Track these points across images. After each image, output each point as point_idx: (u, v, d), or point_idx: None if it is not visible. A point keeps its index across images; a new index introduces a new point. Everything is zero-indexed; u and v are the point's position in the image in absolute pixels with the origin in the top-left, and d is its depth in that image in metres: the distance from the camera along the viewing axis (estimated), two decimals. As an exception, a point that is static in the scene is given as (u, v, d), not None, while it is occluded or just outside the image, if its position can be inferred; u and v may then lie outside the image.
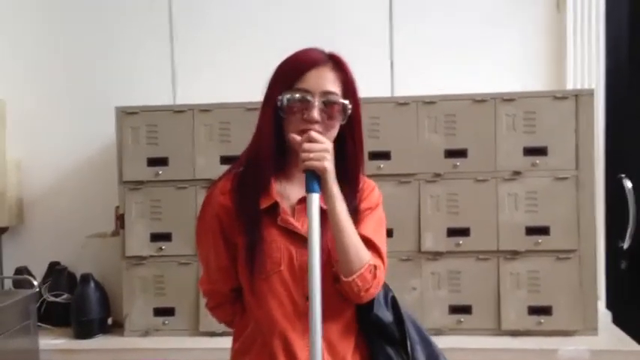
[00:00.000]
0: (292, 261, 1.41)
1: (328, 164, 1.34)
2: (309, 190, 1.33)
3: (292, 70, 1.42)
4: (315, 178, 1.34)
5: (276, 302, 1.41)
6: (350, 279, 1.37)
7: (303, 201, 1.41)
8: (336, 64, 1.44)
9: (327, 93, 1.40)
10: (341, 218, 1.36)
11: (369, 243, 1.42)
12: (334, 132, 1.44)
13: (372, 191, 1.53)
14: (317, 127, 1.38)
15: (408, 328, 1.48)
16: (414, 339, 1.48)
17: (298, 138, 1.37)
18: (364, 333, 1.49)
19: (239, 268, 1.47)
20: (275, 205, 1.43)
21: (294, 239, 1.42)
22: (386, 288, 1.50)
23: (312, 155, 1.33)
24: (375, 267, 1.40)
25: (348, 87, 1.44)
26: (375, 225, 1.47)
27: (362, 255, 1.38)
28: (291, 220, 1.43)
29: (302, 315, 1.39)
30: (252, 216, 1.42)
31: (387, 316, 1.47)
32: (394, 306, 1.49)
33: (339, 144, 1.45)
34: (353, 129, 1.47)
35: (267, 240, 1.42)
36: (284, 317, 1.41)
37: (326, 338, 1.38)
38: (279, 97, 1.40)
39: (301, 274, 1.39)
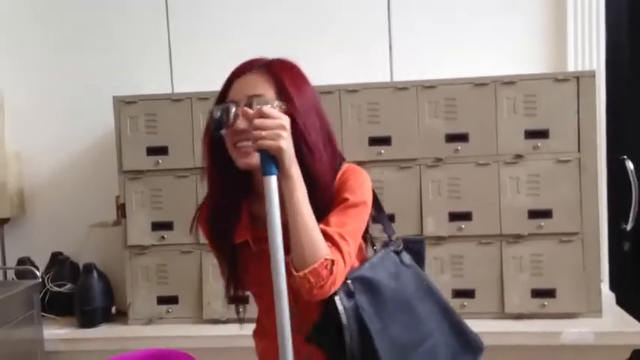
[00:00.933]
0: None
1: (284, 143, 1.19)
2: (265, 172, 1.20)
3: (223, 86, 1.35)
4: (270, 159, 1.20)
5: (270, 310, 1.29)
6: (301, 273, 1.23)
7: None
8: (269, 67, 1.33)
9: (252, 97, 1.27)
10: (298, 205, 1.23)
11: (326, 235, 1.27)
12: None
13: (351, 178, 1.38)
14: (248, 136, 1.23)
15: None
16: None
17: (250, 111, 1.23)
18: None
19: None
20: (244, 244, 1.39)
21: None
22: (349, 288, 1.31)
23: (264, 133, 1.19)
24: (333, 262, 1.25)
25: (283, 88, 1.30)
26: (341, 215, 1.31)
27: (318, 247, 1.24)
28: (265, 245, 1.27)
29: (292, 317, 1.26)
30: (227, 252, 1.42)
31: (323, 343, 1.32)
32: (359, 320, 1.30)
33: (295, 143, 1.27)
34: (302, 136, 1.29)
35: (247, 270, 1.41)
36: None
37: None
38: (208, 117, 1.32)
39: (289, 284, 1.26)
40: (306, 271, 1.23)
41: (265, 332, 1.46)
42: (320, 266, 1.23)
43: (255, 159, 1.26)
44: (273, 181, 1.21)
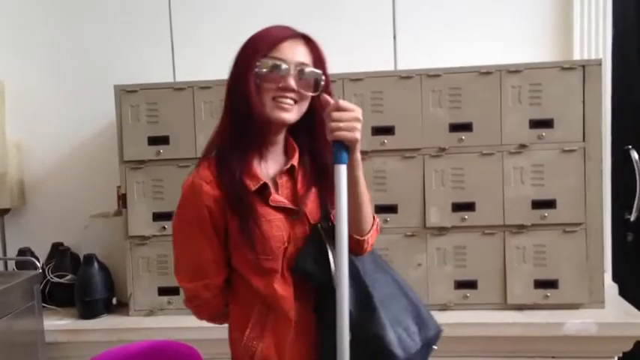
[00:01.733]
0: (290, 237, 1.43)
1: (359, 134, 1.34)
2: (338, 161, 1.33)
3: (266, 41, 1.42)
4: (344, 148, 1.33)
5: (284, 279, 1.43)
6: (364, 238, 1.45)
7: (283, 175, 1.47)
8: (307, 40, 1.46)
9: (301, 64, 1.41)
10: (361, 186, 1.40)
11: None
12: (307, 103, 1.45)
13: None
14: (292, 95, 1.40)
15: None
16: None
17: (330, 100, 1.36)
18: None
19: (235, 255, 1.46)
20: (263, 186, 1.43)
21: (287, 215, 1.44)
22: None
23: (342, 125, 1.32)
24: (375, 218, 1.51)
25: (319, 62, 1.45)
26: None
27: (371, 215, 1.48)
28: (279, 197, 1.45)
29: (306, 286, 1.43)
30: (245, 199, 1.40)
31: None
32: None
33: (308, 115, 1.47)
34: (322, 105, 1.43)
35: (266, 220, 1.42)
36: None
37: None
38: (258, 64, 1.39)
39: (297, 247, 1.43)
40: (368, 235, 1.46)
41: (266, 318, 1.45)
42: (374, 229, 1.49)
43: (293, 116, 1.42)
44: (343, 169, 1.33)
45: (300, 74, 1.41)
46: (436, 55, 2.58)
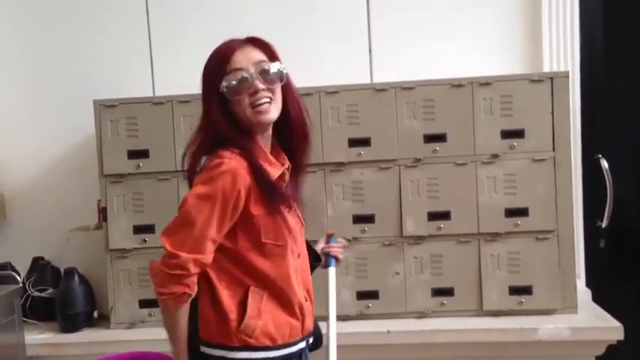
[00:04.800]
0: (296, 231, 1.67)
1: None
2: (327, 265, 1.96)
3: (221, 59, 1.56)
4: (332, 258, 1.96)
5: (287, 262, 1.63)
6: None
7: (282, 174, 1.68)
8: (255, 41, 1.61)
9: (258, 62, 1.56)
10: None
11: None
12: (279, 95, 1.60)
13: None
14: (265, 94, 1.54)
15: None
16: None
17: (344, 242, 2.09)
18: None
19: (250, 239, 1.59)
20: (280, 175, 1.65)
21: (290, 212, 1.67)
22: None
23: (340, 250, 2.00)
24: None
25: (273, 55, 1.62)
26: None
27: None
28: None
29: (297, 270, 1.67)
30: (275, 187, 1.58)
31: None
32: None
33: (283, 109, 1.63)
34: (290, 91, 1.65)
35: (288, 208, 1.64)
36: (290, 274, 1.63)
37: (307, 290, 1.71)
38: (222, 84, 1.54)
39: (295, 235, 1.66)
40: None
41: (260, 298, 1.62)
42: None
43: (273, 114, 1.58)
44: (332, 271, 1.94)
45: (264, 74, 1.55)
46: (411, 68, 2.63)
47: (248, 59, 1.55)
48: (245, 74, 1.53)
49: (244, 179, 1.53)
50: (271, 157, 1.64)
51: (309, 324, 1.71)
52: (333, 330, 1.82)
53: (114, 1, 2.89)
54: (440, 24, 2.76)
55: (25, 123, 2.94)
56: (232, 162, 1.53)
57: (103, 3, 2.90)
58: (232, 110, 1.59)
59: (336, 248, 1.97)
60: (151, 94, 2.83)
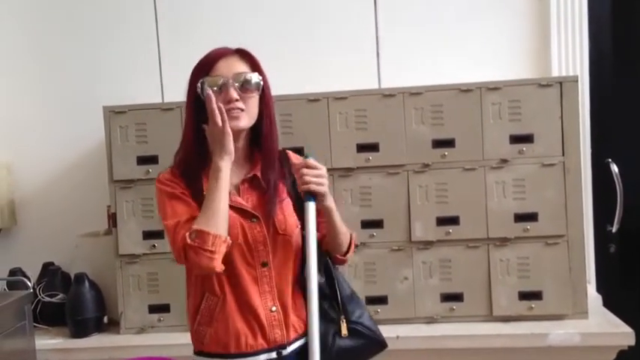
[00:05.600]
0: (246, 234, 1.59)
1: (326, 188, 1.60)
2: (306, 200, 1.59)
3: (204, 65, 1.60)
4: (312, 196, 1.59)
5: (237, 271, 1.59)
6: (346, 257, 1.73)
7: (245, 182, 1.64)
8: (243, 53, 1.63)
9: (238, 74, 1.58)
10: (337, 222, 1.65)
11: None
12: (255, 108, 1.61)
13: None
14: (238, 104, 1.56)
15: (340, 286, 1.70)
16: (345, 295, 1.71)
17: (299, 158, 1.69)
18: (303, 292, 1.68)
19: None
20: None
21: (244, 216, 1.60)
22: (321, 254, 1.68)
23: (314, 180, 1.57)
24: (351, 236, 1.73)
25: (256, 67, 1.63)
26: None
27: (347, 238, 1.72)
28: (239, 199, 1.61)
29: (259, 279, 1.61)
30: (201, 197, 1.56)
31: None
32: (326, 269, 1.70)
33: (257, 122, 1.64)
34: (267, 107, 1.64)
35: None
36: (247, 283, 1.59)
37: (280, 300, 1.62)
38: (198, 85, 1.57)
39: (255, 244, 1.59)
40: (350, 254, 1.74)
41: (214, 307, 1.61)
42: (352, 245, 1.74)
43: (243, 122, 1.58)
44: (312, 206, 1.58)
45: (245, 84, 1.58)
46: (419, 74, 2.64)
47: (229, 69, 1.58)
48: (222, 80, 1.57)
49: (180, 184, 1.61)
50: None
51: (278, 336, 1.61)
52: (314, 281, 1.59)
53: (123, 9, 2.91)
54: (448, 29, 2.76)
55: (35, 129, 2.97)
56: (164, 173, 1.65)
57: (113, 11, 2.92)
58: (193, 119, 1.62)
59: (310, 178, 1.58)
60: (160, 101, 2.84)
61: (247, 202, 1.62)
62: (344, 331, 1.66)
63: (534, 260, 2.42)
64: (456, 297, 2.46)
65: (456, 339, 2.35)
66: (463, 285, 2.46)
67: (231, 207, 1.56)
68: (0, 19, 2.97)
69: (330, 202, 1.62)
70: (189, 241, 1.48)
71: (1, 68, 2.97)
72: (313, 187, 1.57)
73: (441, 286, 2.46)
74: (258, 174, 1.64)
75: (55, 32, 2.96)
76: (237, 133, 1.58)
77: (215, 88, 1.55)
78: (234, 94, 1.56)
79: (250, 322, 1.60)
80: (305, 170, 1.58)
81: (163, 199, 1.61)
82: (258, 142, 1.66)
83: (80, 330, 2.60)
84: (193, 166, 1.61)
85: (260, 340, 1.60)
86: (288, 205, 1.66)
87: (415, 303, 2.47)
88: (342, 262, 1.73)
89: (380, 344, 1.72)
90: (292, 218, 1.65)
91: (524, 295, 2.43)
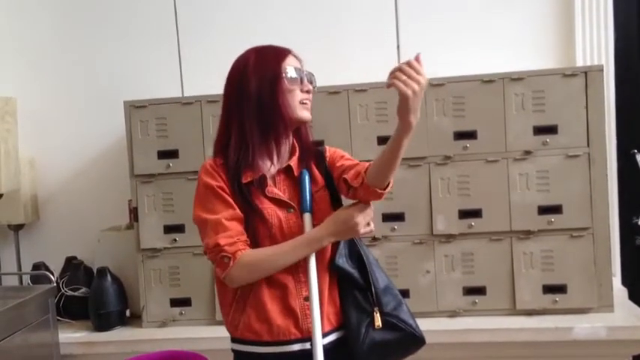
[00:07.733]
0: (282, 224, 1.59)
1: (411, 93, 1.35)
2: (303, 210, 1.59)
3: (276, 56, 1.63)
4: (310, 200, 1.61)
5: None
6: (385, 192, 1.55)
7: (281, 172, 1.65)
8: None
9: (309, 73, 1.67)
10: (404, 148, 1.46)
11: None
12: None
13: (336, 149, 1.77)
14: (310, 96, 1.65)
15: (374, 276, 1.65)
16: (380, 287, 1.64)
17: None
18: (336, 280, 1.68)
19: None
20: (262, 178, 1.61)
21: (280, 206, 1.61)
22: (353, 243, 1.68)
23: (403, 77, 1.35)
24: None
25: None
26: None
27: None
28: (275, 190, 1.62)
29: (294, 268, 1.59)
30: (243, 190, 1.58)
31: (347, 266, 1.64)
32: (359, 260, 1.66)
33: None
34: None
35: (260, 208, 1.58)
36: (281, 272, 1.59)
37: (319, 285, 1.59)
38: (287, 70, 1.60)
39: (291, 234, 1.59)
40: (390, 187, 1.56)
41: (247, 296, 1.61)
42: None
43: (310, 115, 1.65)
44: (308, 217, 1.59)
45: (311, 77, 1.66)
46: (440, 65, 2.59)
47: (297, 64, 1.65)
48: (304, 72, 1.64)
49: (221, 178, 1.61)
50: (260, 165, 1.63)
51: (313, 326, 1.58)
52: (314, 286, 1.56)
53: (143, 4, 2.92)
54: (470, 19, 2.73)
55: (57, 125, 2.99)
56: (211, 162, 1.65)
57: (132, 5, 2.93)
58: (276, 100, 1.59)
59: (401, 75, 1.38)
60: (180, 95, 2.85)
61: (284, 192, 1.63)
62: (377, 322, 1.61)
63: (558, 253, 2.39)
64: (479, 290, 2.43)
65: (479, 333, 2.33)
66: (486, 278, 2.43)
67: (268, 198, 1.60)
68: (26, 17, 2.99)
69: (413, 118, 1.39)
70: (231, 263, 1.53)
71: (26, 65, 3.00)
72: (400, 84, 1.35)
73: (463, 280, 2.44)
74: (293, 164, 1.65)
75: (78, 28, 2.98)
76: (302, 124, 1.67)
77: (296, 76, 1.60)
78: (310, 86, 1.65)
79: (283, 310, 1.59)
80: (402, 65, 1.38)
81: (206, 192, 1.61)
82: (299, 135, 1.71)
83: (103, 323, 2.62)
84: (251, 156, 1.60)
85: (293, 330, 1.58)
86: (322, 197, 1.66)
87: (437, 297, 2.45)
88: (380, 196, 1.56)
89: (417, 339, 1.64)
90: (327, 210, 1.64)
91: (549, 289, 2.39)
